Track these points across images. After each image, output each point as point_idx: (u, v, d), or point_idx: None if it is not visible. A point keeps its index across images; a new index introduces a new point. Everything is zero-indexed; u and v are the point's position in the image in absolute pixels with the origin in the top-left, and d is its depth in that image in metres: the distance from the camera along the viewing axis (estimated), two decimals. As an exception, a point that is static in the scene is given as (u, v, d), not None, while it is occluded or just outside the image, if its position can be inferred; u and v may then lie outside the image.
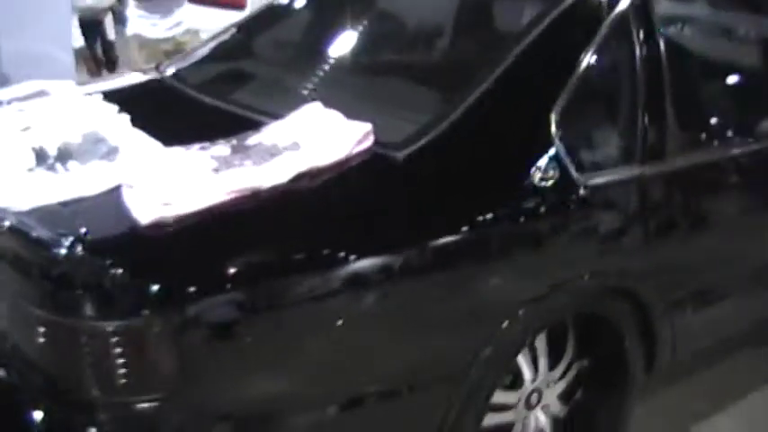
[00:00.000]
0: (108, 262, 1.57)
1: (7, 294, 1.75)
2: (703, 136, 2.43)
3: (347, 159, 1.87)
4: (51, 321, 1.61)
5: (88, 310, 1.57)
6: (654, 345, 2.36)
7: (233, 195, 1.71)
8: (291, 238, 1.71)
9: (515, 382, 2.21)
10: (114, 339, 1.56)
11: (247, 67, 2.67)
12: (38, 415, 1.70)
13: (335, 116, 1.99)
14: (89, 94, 2.51)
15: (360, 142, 1.90)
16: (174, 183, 1.72)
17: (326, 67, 2.44)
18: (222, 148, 1.91)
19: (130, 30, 4.63)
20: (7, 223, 1.71)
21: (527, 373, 2.22)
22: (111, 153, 1.94)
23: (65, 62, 3.12)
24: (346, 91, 2.27)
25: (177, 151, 1.90)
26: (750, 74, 2.74)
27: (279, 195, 1.75)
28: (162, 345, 1.57)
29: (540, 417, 2.32)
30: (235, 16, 6.67)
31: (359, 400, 1.81)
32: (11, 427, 1.77)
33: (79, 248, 1.59)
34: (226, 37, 2.86)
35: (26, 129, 2.19)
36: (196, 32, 5.12)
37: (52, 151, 1.97)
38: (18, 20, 2.99)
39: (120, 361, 1.58)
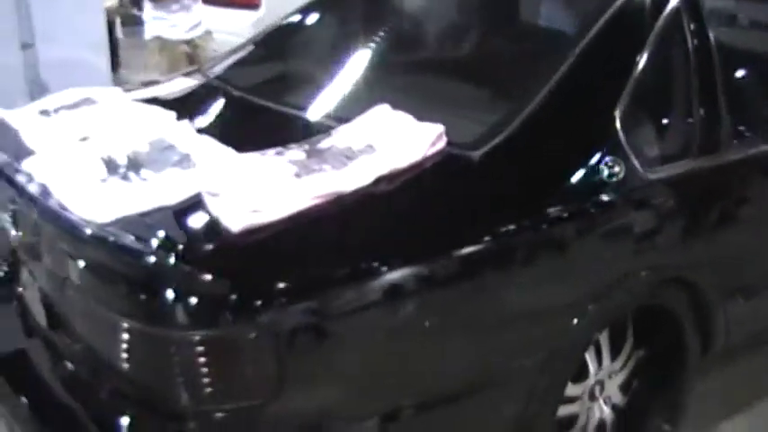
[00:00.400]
0: (203, 271, 1.58)
1: (84, 302, 1.76)
2: (755, 128, 2.46)
3: (423, 161, 1.88)
4: (142, 331, 1.62)
5: (183, 319, 1.56)
6: (710, 331, 2.39)
7: (318, 200, 1.72)
8: (380, 241, 1.72)
9: (580, 374, 2.24)
10: (210, 348, 1.57)
11: (299, 68, 2.67)
12: (124, 420, 1.72)
13: (405, 118, 2.00)
14: (140, 100, 2.52)
15: (434, 143, 1.91)
16: (259, 189, 1.73)
17: (385, 69, 2.45)
18: (297, 153, 1.92)
19: (149, 32, 4.62)
20: (89, 233, 1.71)
21: (592, 365, 2.24)
22: (184, 160, 1.94)
23: (101, 68, 3.11)
24: (409, 93, 2.27)
25: (253, 157, 1.90)
26: None
27: (362, 199, 1.76)
28: (257, 353, 1.58)
29: (603, 407, 2.35)
30: (248, 16, 6.68)
31: (448, 399, 1.83)
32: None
33: (173, 258, 1.60)
34: (269, 36, 2.85)
35: (84, 138, 2.20)
36: (210, 33, 5.12)
37: (122, 160, 1.98)
38: (54, 27, 2.97)
39: (216, 369, 1.59)
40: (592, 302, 2.02)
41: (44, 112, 2.44)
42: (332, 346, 1.64)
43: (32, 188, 1.94)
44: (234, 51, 2.96)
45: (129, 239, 1.67)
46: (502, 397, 1.96)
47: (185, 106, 2.35)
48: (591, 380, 2.26)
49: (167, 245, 1.62)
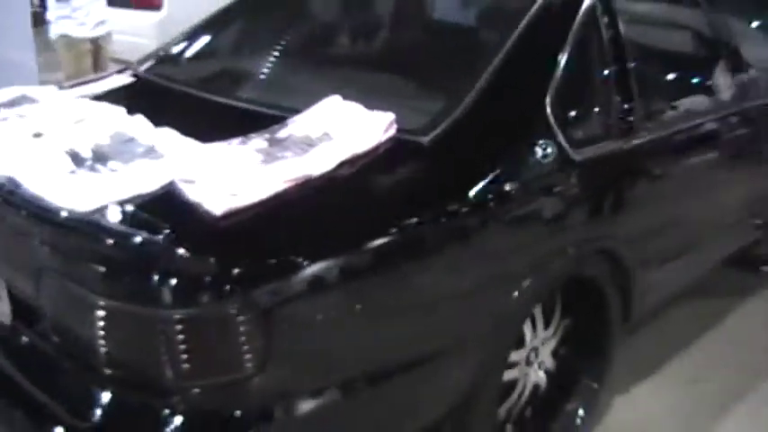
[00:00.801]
0: (191, 252, 1.67)
1: (63, 288, 1.81)
2: (664, 112, 2.73)
3: (379, 146, 2.03)
4: (131, 311, 1.69)
5: (179, 298, 1.64)
6: (629, 298, 2.64)
7: (289, 184, 1.84)
8: (349, 219, 1.86)
9: (518, 342, 2.43)
10: (198, 326, 1.67)
11: (236, 62, 2.76)
12: (105, 396, 1.78)
13: (357, 107, 2.14)
14: (83, 97, 2.56)
15: (386, 130, 2.06)
16: (233, 175, 1.84)
17: (330, 61, 2.58)
18: (260, 142, 2.03)
19: (55, 31, 4.55)
20: (72, 221, 1.77)
21: (528, 333, 2.45)
22: (150, 151, 2.02)
23: (29, 67, 3.10)
24: (356, 84, 2.40)
25: (220, 146, 2.00)
26: (697, 57, 3.09)
27: (328, 182, 1.89)
28: (242, 330, 1.68)
29: (538, 372, 2.56)
30: (150, 17, 6.64)
31: (408, 366, 1.98)
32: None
33: (161, 241, 1.68)
34: (202, 31, 2.93)
35: (38, 134, 2.23)
36: (110, 34, 5.09)
37: (86, 153, 2.03)
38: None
39: (202, 346, 1.68)
40: (529, 276, 2.22)
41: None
42: (304, 323, 1.76)
43: None
44: (162, 48, 3.03)
45: (114, 225, 1.73)
46: (457, 363, 2.12)
47: (131, 102, 2.40)
48: (527, 347, 2.46)
49: (153, 229, 1.70)
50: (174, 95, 2.56)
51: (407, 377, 1.99)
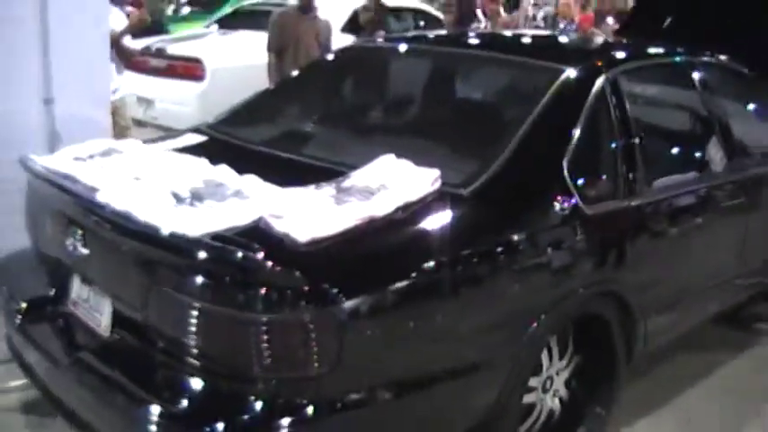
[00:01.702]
0: (281, 269, 2.09)
1: (171, 300, 2.21)
2: (663, 179, 3.18)
3: (427, 195, 2.46)
4: (226, 314, 2.10)
5: (261, 304, 2.06)
6: (633, 338, 3.04)
7: (358, 221, 2.27)
8: (405, 253, 2.29)
9: (536, 370, 2.82)
10: (281, 329, 2.08)
11: (297, 125, 3.23)
12: (196, 382, 2.19)
13: (408, 164, 2.58)
14: (169, 149, 3.02)
15: (433, 183, 2.50)
16: (313, 213, 2.27)
17: (380, 126, 3.05)
18: (330, 189, 2.46)
19: None
20: (185, 244, 2.16)
21: (545, 362, 2.84)
22: (239, 194, 2.44)
23: (103, 123, 3.56)
24: (406, 146, 2.84)
25: (298, 191, 2.43)
26: (695, 130, 3.58)
27: (389, 222, 2.32)
28: (318, 336, 2.08)
29: (553, 399, 2.94)
30: (194, 87, 7.18)
31: (454, 375, 2.38)
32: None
33: (260, 260, 2.09)
34: (261, 96, 3.42)
35: (138, 178, 2.67)
36: (132, 97, 5.56)
37: (184, 194, 2.46)
38: (69, 84, 3.43)
39: (284, 345, 2.09)
40: (546, 311, 2.63)
41: (78, 159, 2.87)
42: (366, 336, 2.17)
43: (112, 215, 2.38)
44: (229, 112, 3.51)
45: (218, 248, 2.15)
46: (487, 380, 2.52)
47: (209, 154, 2.84)
48: (544, 375, 2.85)
49: (249, 250, 2.11)
50: (245, 151, 3.00)
51: (446, 387, 2.39)
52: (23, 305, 2.78)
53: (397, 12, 9.12)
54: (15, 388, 3.26)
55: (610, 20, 10.60)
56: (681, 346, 3.78)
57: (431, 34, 4.76)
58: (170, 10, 14.27)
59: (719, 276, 3.64)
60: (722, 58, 3.91)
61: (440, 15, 9.86)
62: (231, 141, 3.14)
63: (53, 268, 2.83)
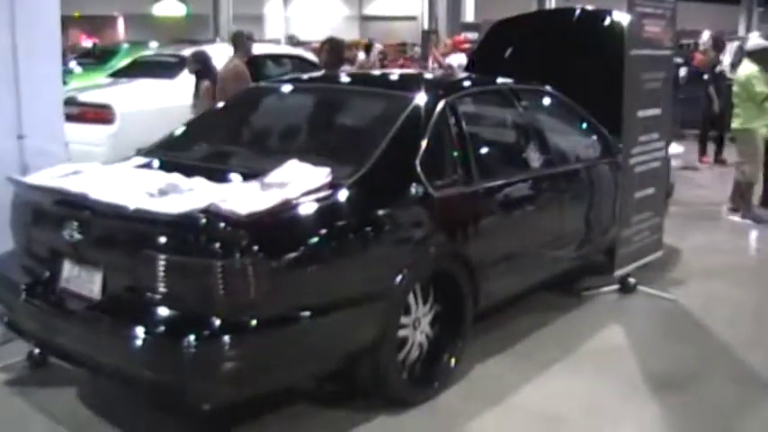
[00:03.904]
0: (232, 230, 3.16)
1: (153, 261, 3.22)
2: (493, 171, 4.45)
3: (322, 185, 3.58)
4: (195, 262, 3.15)
5: (217, 253, 3.13)
6: (477, 291, 4.24)
7: (279, 201, 3.36)
8: (311, 221, 3.43)
9: (407, 311, 3.95)
10: (232, 269, 3.13)
11: (218, 146, 4.38)
12: (172, 312, 3.25)
13: (307, 165, 3.68)
14: (130, 167, 4.04)
15: (326, 177, 3.62)
16: (249, 197, 3.35)
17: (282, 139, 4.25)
18: (255, 184, 3.54)
19: None
20: (171, 219, 3.20)
21: (413, 306, 3.97)
22: (192, 189, 3.49)
23: (59, 154, 4.53)
24: (300, 153, 3.91)
25: (233, 185, 3.51)
26: (517, 137, 4.96)
27: (298, 202, 3.43)
28: (254, 274, 3.15)
29: (420, 335, 4.06)
30: (104, 130, 8.07)
31: (350, 302, 3.50)
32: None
33: (217, 225, 3.16)
34: (187, 126, 4.56)
35: (115, 184, 3.66)
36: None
37: (153, 190, 3.47)
38: (40, 125, 4.41)
39: (233, 281, 3.14)
40: (409, 266, 3.78)
41: (63, 176, 3.84)
42: (290, 272, 3.28)
43: (107, 207, 3.38)
44: (161, 141, 4.56)
45: (195, 220, 3.18)
46: (373, 310, 3.64)
47: (161, 168, 3.89)
48: (413, 315, 3.97)
49: (212, 220, 3.17)
50: (185, 165, 4.03)
51: (343, 313, 3.51)
52: (23, 286, 3.71)
53: (277, 58, 10.36)
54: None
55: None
56: (521, 307, 5.01)
57: (312, 75, 6.00)
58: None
59: (541, 248, 4.91)
60: (541, 85, 5.27)
61: (315, 60, 11.21)
62: (173, 160, 4.18)
63: (44, 258, 3.77)
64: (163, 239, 3.26)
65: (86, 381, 4.03)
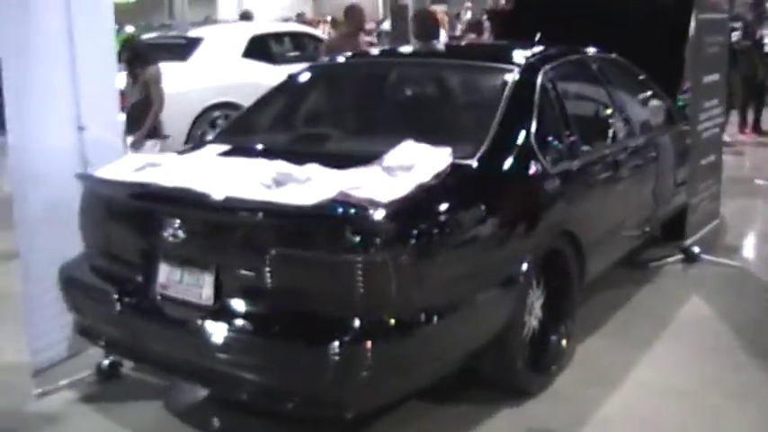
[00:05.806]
0: (375, 221, 2.87)
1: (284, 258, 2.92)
2: (591, 141, 4.24)
3: (448, 166, 3.30)
4: (340, 259, 2.83)
5: (359, 248, 2.82)
6: (584, 270, 4.01)
7: (414, 186, 3.07)
8: (451, 206, 3.14)
9: (527, 295, 3.72)
10: (372, 267, 2.84)
11: (310, 127, 4.04)
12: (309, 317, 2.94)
13: (425, 146, 3.40)
14: (214, 155, 3.69)
15: (449, 156, 3.34)
16: (380, 183, 3.04)
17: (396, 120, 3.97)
18: (376, 168, 3.24)
19: None
20: (305, 210, 2.88)
21: (530, 290, 3.73)
22: (310, 179, 3.16)
23: (117, 146, 4.16)
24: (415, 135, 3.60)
25: (353, 171, 3.19)
26: (602, 104, 4.71)
27: (432, 184, 3.15)
28: (395, 268, 2.85)
29: (534, 320, 3.83)
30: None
31: (477, 295, 3.25)
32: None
33: (364, 215, 2.86)
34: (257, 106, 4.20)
35: (215, 176, 3.29)
36: None
37: (267, 182, 3.14)
38: (95, 113, 4.01)
39: (374, 278, 2.84)
40: (531, 249, 3.54)
41: (139, 170, 3.48)
42: (430, 263, 3.00)
43: (220, 201, 3.03)
44: (230, 124, 4.20)
45: (333, 211, 2.87)
46: (505, 299, 3.41)
47: (253, 155, 3.55)
48: (530, 300, 3.74)
49: (358, 211, 2.86)
50: (281, 152, 3.66)
51: (486, 299, 3.29)
52: (114, 294, 3.35)
53: (286, 36, 9.98)
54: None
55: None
56: (595, 282, 4.79)
57: (398, 49, 5.75)
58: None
59: (630, 220, 4.71)
60: (612, 55, 5.04)
61: (323, 36, 10.93)
62: (262, 145, 3.84)
63: (132, 261, 3.41)
64: (294, 235, 2.95)
65: (168, 391, 3.80)
